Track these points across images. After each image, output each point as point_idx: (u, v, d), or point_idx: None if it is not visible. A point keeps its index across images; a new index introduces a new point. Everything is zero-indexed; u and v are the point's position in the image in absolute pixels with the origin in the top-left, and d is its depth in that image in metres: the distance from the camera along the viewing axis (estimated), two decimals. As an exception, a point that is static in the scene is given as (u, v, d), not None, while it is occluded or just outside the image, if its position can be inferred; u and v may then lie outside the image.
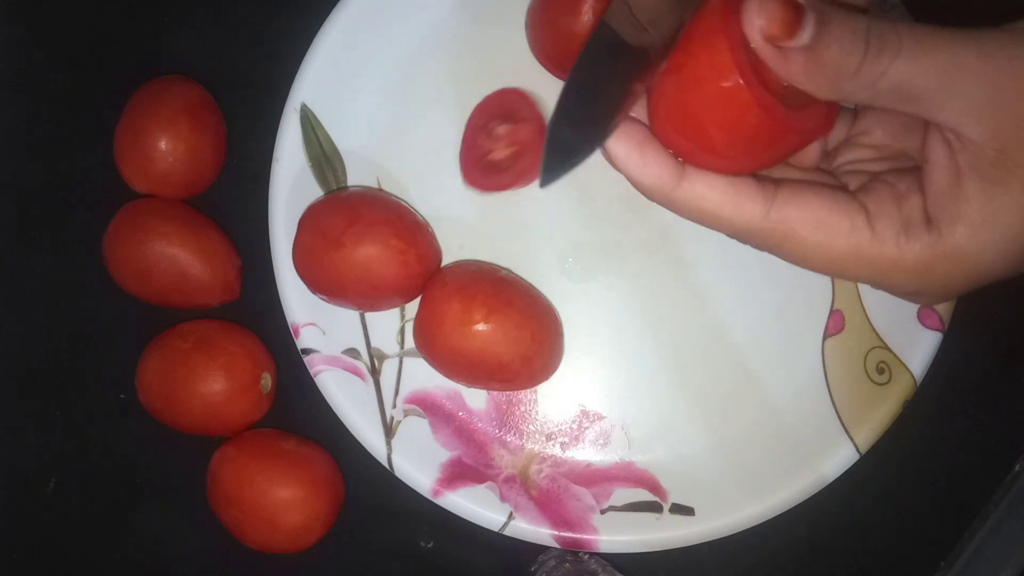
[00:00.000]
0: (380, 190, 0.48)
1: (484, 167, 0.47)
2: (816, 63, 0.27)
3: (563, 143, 0.28)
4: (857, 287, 0.47)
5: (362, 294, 0.44)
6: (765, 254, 0.33)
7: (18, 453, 0.50)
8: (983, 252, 0.28)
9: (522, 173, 0.46)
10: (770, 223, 0.29)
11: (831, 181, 0.32)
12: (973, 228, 0.28)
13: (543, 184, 0.28)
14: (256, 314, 0.49)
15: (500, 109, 0.47)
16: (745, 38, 0.27)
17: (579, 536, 0.45)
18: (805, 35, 0.26)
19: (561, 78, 0.47)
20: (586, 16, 0.44)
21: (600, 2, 0.44)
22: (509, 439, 0.47)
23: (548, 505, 0.46)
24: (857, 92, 0.27)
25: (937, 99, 0.27)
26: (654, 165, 0.29)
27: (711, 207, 0.29)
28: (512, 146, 0.46)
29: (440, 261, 0.47)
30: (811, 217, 0.29)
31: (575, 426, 0.47)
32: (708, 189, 0.29)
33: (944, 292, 0.29)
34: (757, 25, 0.26)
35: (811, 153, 0.33)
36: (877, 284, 0.30)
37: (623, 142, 0.29)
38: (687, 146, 0.29)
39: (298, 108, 0.47)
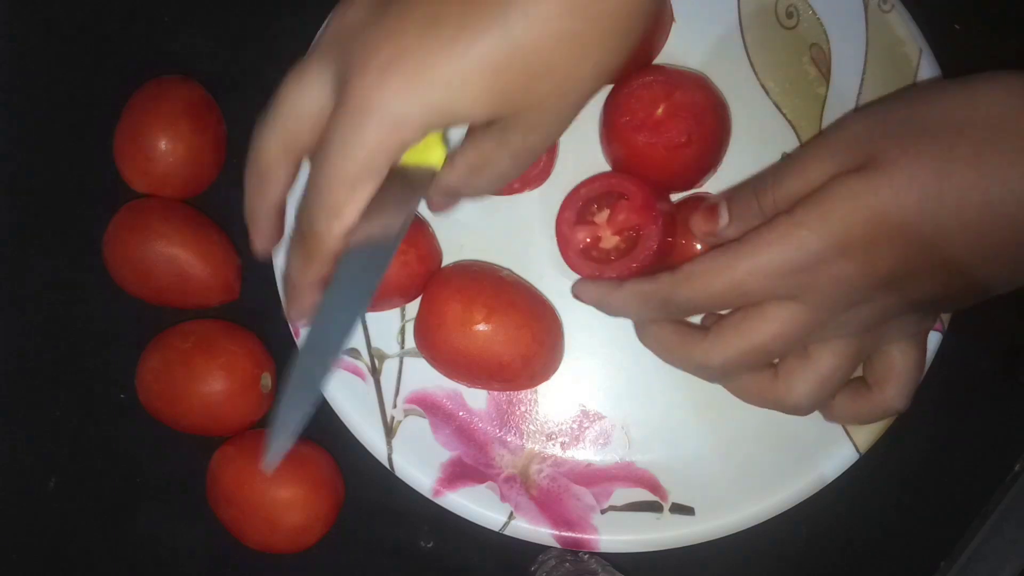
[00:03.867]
0: None
1: None
2: (736, 231, 0.39)
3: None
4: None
5: None
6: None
7: (18, 453, 0.50)
8: (826, 229, 0.35)
9: (528, 180, 0.47)
10: (675, 279, 0.39)
11: None
12: (821, 212, 0.35)
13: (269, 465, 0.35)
14: (256, 314, 0.49)
15: None
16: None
17: (579, 536, 0.45)
18: (723, 219, 0.39)
19: None
20: None
21: None
22: (509, 439, 0.47)
23: (548, 505, 0.46)
24: (769, 215, 0.37)
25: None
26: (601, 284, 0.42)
27: (639, 286, 0.40)
28: None
29: (441, 261, 0.47)
30: (694, 265, 0.39)
31: (575, 426, 0.47)
32: (635, 280, 0.41)
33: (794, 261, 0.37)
34: (699, 229, 0.41)
35: None
36: (764, 282, 0.38)
37: (583, 287, 0.43)
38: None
39: (298, 108, 0.47)
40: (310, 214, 0.35)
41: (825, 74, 0.48)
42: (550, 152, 0.47)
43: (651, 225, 0.44)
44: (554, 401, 0.47)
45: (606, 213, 0.45)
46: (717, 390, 0.47)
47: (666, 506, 0.46)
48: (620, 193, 0.45)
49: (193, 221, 0.49)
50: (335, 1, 0.47)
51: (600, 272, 0.44)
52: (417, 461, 0.46)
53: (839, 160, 0.36)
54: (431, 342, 0.44)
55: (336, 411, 0.46)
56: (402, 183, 0.35)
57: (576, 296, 0.43)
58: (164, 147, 0.47)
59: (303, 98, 0.35)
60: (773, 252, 0.35)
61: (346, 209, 0.34)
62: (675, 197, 0.47)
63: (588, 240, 0.45)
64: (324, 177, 0.34)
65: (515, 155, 0.36)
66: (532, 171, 0.46)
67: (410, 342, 0.47)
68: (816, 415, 0.46)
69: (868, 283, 0.35)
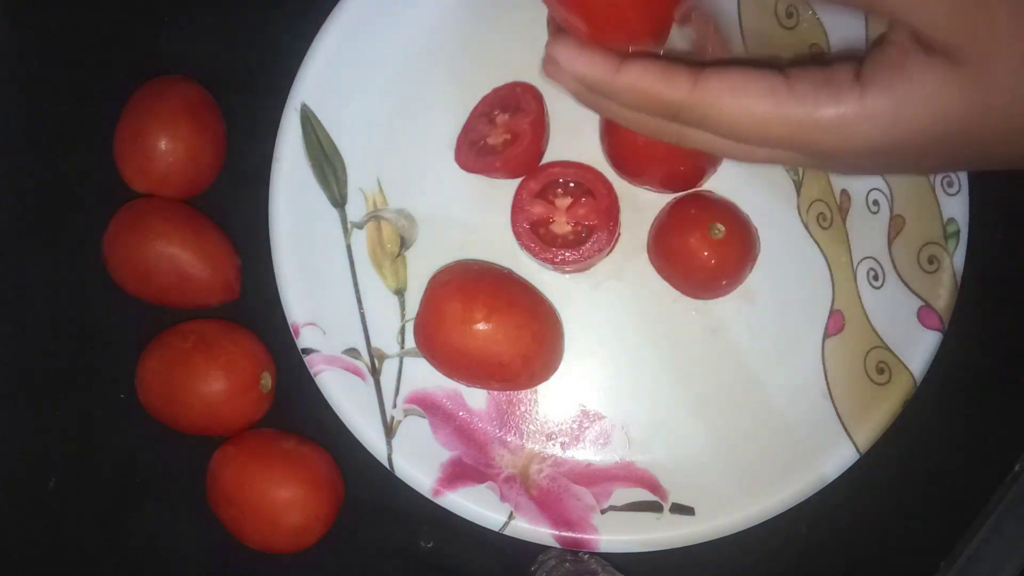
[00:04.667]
0: None
1: (478, 150, 0.47)
2: None
3: None
4: (857, 288, 0.47)
5: None
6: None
7: (18, 453, 0.50)
8: (895, 122, 0.30)
9: (509, 159, 0.46)
10: (697, 93, 0.32)
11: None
12: (896, 98, 0.30)
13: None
14: (256, 314, 0.49)
15: (506, 99, 0.47)
16: None
17: (579, 536, 0.45)
18: None
19: None
20: None
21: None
22: (509, 439, 0.47)
23: (548, 505, 0.46)
24: None
25: (905, 6, 0.30)
26: (595, 56, 0.33)
27: (647, 85, 0.32)
28: (507, 133, 0.46)
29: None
30: (730, 84, 0.31)
31: (575, 426, 0.47)
32: (643, 70, 0.32)
33: (855, 148, 0.32)
34: None
35: None
36: (797, 144, 0.32)
37: (564, 49, 0.33)
38: (608, 29, 0.33)
39: (298, 108, 0.47)
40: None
41: (825, 74, 0.48)
42: (536, 139, 0.46)
43: (604, 230, 0.45)
44: (554, 401, 0.47)
45: (568, 200, 0.46)
46: (718, 390, 0.47)
47: (666, 506, 0.46)
48: (589, 189, 0.46)
49: (193, 221, 0.49)
50: (335, 1, 0.48)
51: (534, 248, 0.46)
52: (417, 461, 0.46)
53: (924, 20, 0.29)
54: (431, 341, 0.44)
55: (336, 411, 0.46)
56: None
57: (552, 65, 0.34)
58: (164, 147, 0.47)
59: None
60: (831, 132, 0.30)
61: None
62: (675, 196, 0.47)
63: (540, 216, 0.46)
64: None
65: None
66: (518, 151, 0.46)
67: (410, 342, 0.47)
68: (815, 414, 0.46)
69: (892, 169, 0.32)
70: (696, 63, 0.33)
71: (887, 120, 0.30)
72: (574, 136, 0.48)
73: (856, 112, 0.30)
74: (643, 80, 0.32)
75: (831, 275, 0.47)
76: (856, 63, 0.31)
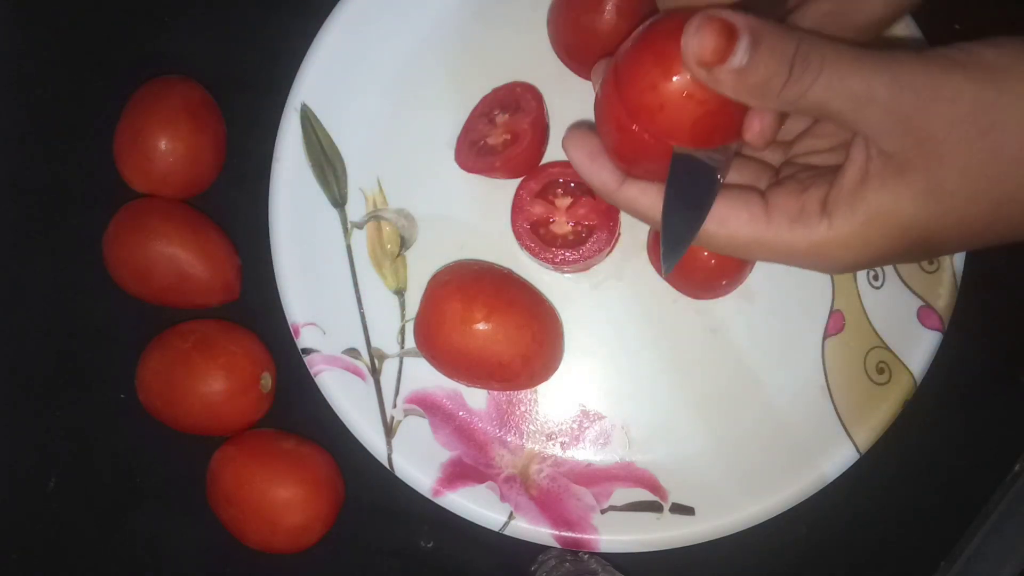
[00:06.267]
0: None
1: (478, 150, 0.47)
2: (743, 83, 0.30)
3: (676, 231, 0.33)
4: (857, 288, 0.47)
5: None
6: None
7: (18, 453, 0.50)
8: (866, 245, 0.32)
9: (509, 159, 0.46)
10: None
11: (751, 181, 0.36)
12: (860, 225, 0.31)
13: (666, 272, 0.34)
14: (256, 314, 0.49)
15: (506, 99, 0.47)
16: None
17: (579, 536, 0.45)
18: (736, 60, 0.29)
19: (579, 73, 0.47)
20: (608, 15, 0.43)
21: (623, 1, 0.43)
22: (509, 439, 0.47)
23: (548, 505, 0.46)
24: (781, 106, 0.31)
25: (850, 119, 0.30)
26: (602, 172, 0.35)
27: (641, 209, 0.35)
28: (507, 133, 0.47)
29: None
30: (716, 216, 0.33)
31: (575, 426, 0.47)
32: (640, 194, 0.35)
33: (835, 270, 0.34)
34: (692, 50, 0.29)
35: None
36: (783, 263, 0.34)
37: (579, 151, 0.35)
38: (622, 159, 0.35)
39: (298, 108, 0.47)
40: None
41: (825, 74, 0.48)
42: (536, 139, 0.46)
43: (604, 230, 0.45)
44: (554, 401, 0.47)
45: (568, 200, 0.46)
46: (718, 390, 0.47)
47: (666, 506, 0.46)
48: (589, 189, 0.46)
49: (193, 221, 0.49)
50: (335, 1, 0.48)
51: (534, 248, 0.46)
52: (417, 461, 0.46)
53: (885, 117, 0.30)
54: (431, 341, 0.44)
55: (336, 411, 0.46)
56: None
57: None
58: (164, 147, 0.47)
59: None
60: (809, 258, 0.33)
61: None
62: None
63: (540, 216, 0.46)
64: None
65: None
66: (519, 151, 0.46)
67: (410, 342, 0.47)
68: (815, 414, 0.46)
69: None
70: None
71: (858, 244, 0.32)
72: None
73: (828, 241, 0.32)
74: (638, 203, 0.35)
75: (831, 275, 0.47)
76: (827, 186, 0.32)
